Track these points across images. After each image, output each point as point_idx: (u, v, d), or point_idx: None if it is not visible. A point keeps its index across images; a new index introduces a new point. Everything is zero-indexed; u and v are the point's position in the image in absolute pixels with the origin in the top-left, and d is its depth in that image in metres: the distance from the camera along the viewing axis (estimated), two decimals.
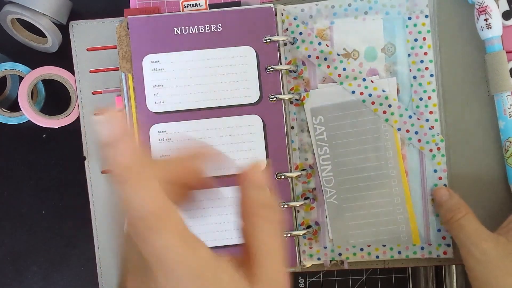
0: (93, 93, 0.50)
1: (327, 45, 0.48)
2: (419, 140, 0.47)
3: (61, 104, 0.51)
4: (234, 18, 0.48)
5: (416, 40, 0.48)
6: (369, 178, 0.48)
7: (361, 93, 0.48)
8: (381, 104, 0.48)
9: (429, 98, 0.47)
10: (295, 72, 0.49)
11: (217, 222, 0.46)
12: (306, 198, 0.49)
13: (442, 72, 0.48)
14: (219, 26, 0.48)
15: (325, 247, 0.48)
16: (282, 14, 0.49)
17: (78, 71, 0.50)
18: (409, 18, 0.48)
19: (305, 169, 0.49)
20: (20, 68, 0.50)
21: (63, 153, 0.52)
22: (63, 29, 0.50)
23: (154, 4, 0.51)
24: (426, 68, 0.48)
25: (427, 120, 0.47)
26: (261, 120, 0.48)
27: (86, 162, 0.50)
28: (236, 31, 0.48)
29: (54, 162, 0.52)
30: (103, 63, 0.50)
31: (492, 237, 0.43)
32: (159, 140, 0.48)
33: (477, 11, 0.47)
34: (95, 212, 0.49)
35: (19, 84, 0.50)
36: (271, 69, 0.48)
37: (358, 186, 0.48)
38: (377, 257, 0.48)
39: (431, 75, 0.48)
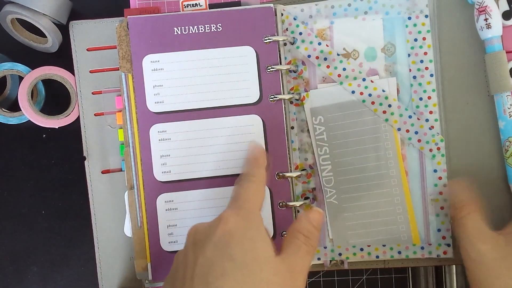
0: (93, 93, 0.50)
1: (327, 45, 0.48)
2: (419, 140, 0.47)
3: (61, 104, 0.51)
4: (234, 18, 0.48)
5: (416, 40, 0.48)
6: (369, 178, 0.48)
7: (361, 93, 0.48)
8: (381, 104, 0.48)
9: (429, 98, 0.47)
10: (295, 72, 0.49)
11: None
12: (306, 198, 0.49)
13: (442, 72, 0.48)
14: (219, 26, 0.48)
15: (325, 247, 0.48)
16: (282, 14, 0.49)
17: (78, 71, 0.50)
18: (409, 18, 0.48)
19: (305, 169, 0.49)
20: (20, 68, 0.50)
21: (63, 153, 0.52)
22: (63, 29, 0.50)
23: (154, 4, 0.51)
24: (426, 68, 0.48)
25: (427, 120, 0.47)
26: (261, 120, 0.48)
27: (86, 162, 0.50)
28: (236, 31, 0.48)
29: (54, 162, 0.52)
30: (103, 63, 0.50)
31: (491, 239, 0.42)
32: (159, 140, 0.48)
33: (477, 11, 0.47)
34: (95, 212, 0.49)
35: (19, 84, 0.50)
36: (271, 69, 0.48)
37: (358, 186, 0.48)
38: (377, 257, 0.48)
39: (431, 75, 0.48)
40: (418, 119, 0.47)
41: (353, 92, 0.48)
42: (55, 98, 0.52)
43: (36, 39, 0.51)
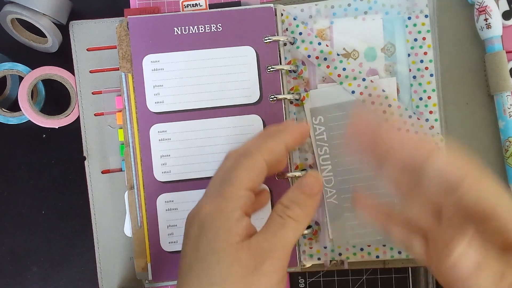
0: (93, 93, 0.50)
1: (327, 45, 0.48)
2: None
3: (61, 104, 0.51)
4: (234, 18, 0.48)
5: (416, 40, 0.48)
6: (369, 178, 0.47)
7: (361, 93, 0.48)
8: (381, 104, 0.48)
9: (429, 98, 0.47)
10: (295, 72, 0.49)
11: None
12: None
13: (442, 72, 0.48)
14: (219, 26, 0.48)
15: (325, 247, 0.48)
16: (282, 14, 0.49)
17: (78, 71, 0.50)
18: (409, 18, 0.48)
19: (305, 169, 0.49)
20: (20, 68, 0.50)
21: (63, 153, 0.52)
22: (63, 29, 0.50)
23: (154, 4, 0.51)
24: (426, 68, 0.48)
25: (427, 120, 0.47)
26: (261, 120, 0.48)
27: (86, 162, 0.50)
28: (236, 31, 0.48)
29: (54, 162, 0.52)
30: (103, 63, 0.50)
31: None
32: (159, 140, 0.48)
33: (477, 11, 0.47)
34: (95, 212, 0.49)
35: (19, 84, 0.50)
36: (271, 69, 0.48)
37: (358, 186, 0.48)
38: (377, 257, 0.48)
39: (431, 75, 0.48)
40: (418, 119, 0.47)
41: (353, 92, 0.48)
42: (55, 98, 0.52)
43: (36, 39, 0.51)
